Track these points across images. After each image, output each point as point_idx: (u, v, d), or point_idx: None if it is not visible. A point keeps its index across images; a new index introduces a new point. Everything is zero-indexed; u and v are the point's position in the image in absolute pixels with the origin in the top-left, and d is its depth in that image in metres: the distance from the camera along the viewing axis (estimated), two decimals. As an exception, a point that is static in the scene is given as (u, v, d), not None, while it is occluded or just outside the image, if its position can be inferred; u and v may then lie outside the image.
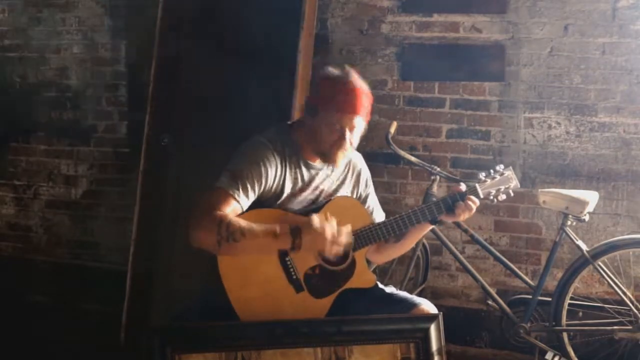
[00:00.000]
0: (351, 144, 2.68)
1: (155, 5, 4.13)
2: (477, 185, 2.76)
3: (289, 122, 2.86)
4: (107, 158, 4.90)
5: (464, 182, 2.83)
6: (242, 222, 2.54)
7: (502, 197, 2.81)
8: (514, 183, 2.82)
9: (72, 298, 4.62)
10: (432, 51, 4.22)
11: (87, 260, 4.96)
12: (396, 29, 4.30)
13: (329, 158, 2.70)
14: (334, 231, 2.54)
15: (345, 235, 2.57)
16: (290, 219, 2.65)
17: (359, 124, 2.68)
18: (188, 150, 4.12)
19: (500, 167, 2.82)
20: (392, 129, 3.83)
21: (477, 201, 2.74)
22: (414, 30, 4.27)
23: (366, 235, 2.71)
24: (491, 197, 2.79)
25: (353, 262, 2.72)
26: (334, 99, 2.65)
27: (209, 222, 2.52)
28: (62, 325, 4.36)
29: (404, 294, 2.83)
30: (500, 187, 2.80)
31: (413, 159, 3.84)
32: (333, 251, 2.57)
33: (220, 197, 2.57)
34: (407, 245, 2.91)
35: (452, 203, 2.71)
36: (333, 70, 2.72)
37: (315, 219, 2.54)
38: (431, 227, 2.84)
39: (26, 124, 5.06)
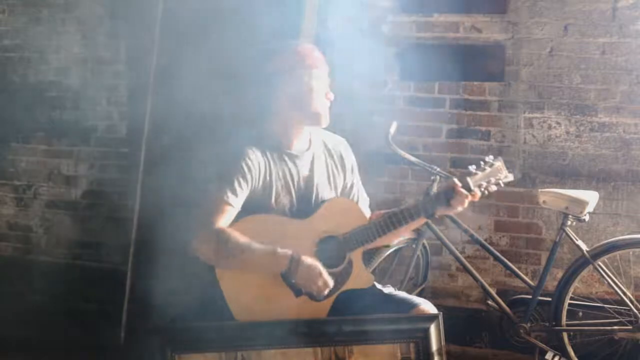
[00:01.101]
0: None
1: (155, 5, 4.13)
2: (468, 178, 2.74)
3: (263, 119, 2.85)
4: (107, 158, 4.90)
5: (455, 176, 2.83)
6: (242, 239, 2.55)
7: (493, 188, 2.79)
8: (504, 173, 2.80)
9: (72, 298, 4.62)
10: (432, 51, 4.22)
11: (87, 260, 4.96)
12: (396, 29, 4.30)
13: (323, 116, 2.74)
14: (325, 284, 2.59)
15: (327, 290, 2.62)
16: (290, 227, 2.66)
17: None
18: (188, 150, 4.12)
19: (489, 158, 2.79)
20: (392, 129, 3.82)
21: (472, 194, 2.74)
22: (414, 30, 4.27)
23: (362, 235, 2.70)
24: (482, 189, 2.77)
25: (350, 263, 2.71)
26: (311, 58, 2.73)
27: (207, 236, 2.55)
28: (62, 325, 4.36)
29: (403, 294, 2.83)
30: (491, 178, 2.77)
31: (413, 159, 3.83)
32: (312, 292, 2.61)
33: (213, 204, 2.59)
34: (397, 236, 2.94)
35: (445, 198, 2.70)
36: (278, 45, 2.82)
37: (319, 266, 2.58)
38: (425, 220, 2.85)
39: (26, 124, 5.06)
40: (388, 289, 2.83)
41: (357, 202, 2.88)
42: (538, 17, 4.05)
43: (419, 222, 2.83)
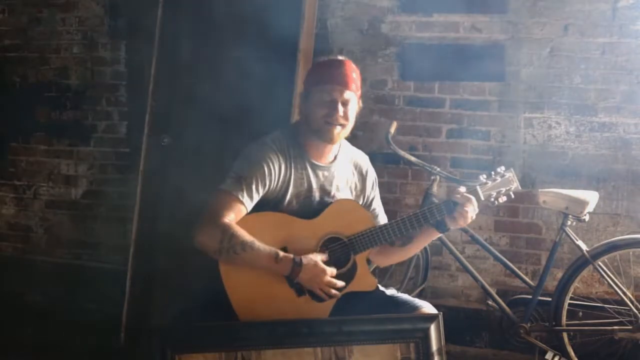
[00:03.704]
0: (346, 117, 2.70)
1: (155, 5, 4.13)
2: (477, 187, 2.72)
3: (294, 124, 2.87)
4: (107, 158, 4.90)
5: (464, 183, 2.81)
6: (247, 237, 2.56)
7: (503, 199, 2.76)
8: (515, 185, 2.77)
9: (72, 298, 4.62)
10: (432, 51, 4.22)
11: (87, 260, 4.96)
12: (396, 29, 4.30)
13: (325, 135, 2.71)
14: (331, 281, 2.60)
15: (338, 289, 2.62)
16: (296, 226, 2.67)
17: (351, 99, 2.71)
18: (188, 150, 4.12)
19: (501, 169, 2.77)
20: (392, 129, 3.83)
21: (476, 201, 2.71)
22: (414, 30, 4.27)
23: (366, 239, 2.70)
24: (492, 199, 2.75)
25: (354, 266, 2.71)
26: (321, 73, 2.73)
27: (213, 229, 2.55)
28: (62, 325, 4.36)
29: (405, 296, 2.82)
30: (501, 189, 2.75)
31: (413, 159, 3.83)
32: (322, 295, 2.62)
33: (224, 199, 2.60)
34: (412, 250, 2.92)
35: (453, 206, 2.67)
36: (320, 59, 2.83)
37: (321, 265, 2.59)
38: (438, 234, 2.81)
39: (26, 124, 5.06)
40: (390, 291, 2.83)
41: (375, 216, 2.90)
42: (538, 17, 4.05)
43: (432, 233, 2.80)
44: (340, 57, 2.78)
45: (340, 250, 2.69)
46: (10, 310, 4.58)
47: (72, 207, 5.02)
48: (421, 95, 4.29)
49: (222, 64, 3.97)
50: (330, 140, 2.72)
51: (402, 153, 3.83)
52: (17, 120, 5.07)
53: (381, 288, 2.82)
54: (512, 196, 2.80)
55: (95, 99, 4.89)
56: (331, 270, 2.61)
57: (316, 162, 2.76)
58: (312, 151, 2.75)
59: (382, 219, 2.93)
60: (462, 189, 2.70)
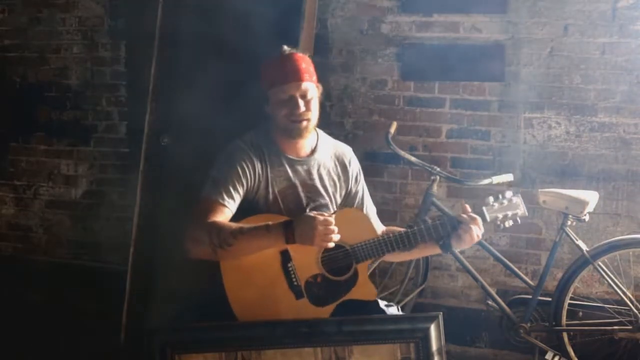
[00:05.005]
0: (308, 109, 2.69)
1: (156, 4, 4.13)
2: (484, 208, 2.71)
3: (267, 122, 2.85)
4: (107, 158, 4.91)
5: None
6: (233, 225, 2.56)
7: (509, 223, 2.75)
8: (522, 210, 2.76)
9: (72, 298, 4.62)
10: (432, 51, 4.22)
11: (87, 260, 4.96)
12: (396, 29, 4.30)
13: (293, 133, 2.71)
14: (326, 226, 2.53)
15: (337, 234, 2.56)
16: None
17: (309, 89, 2.70)
18: (188, 150, 4.12)
19: (509, 194, 2.76)
20: (392, 129, 3.83)
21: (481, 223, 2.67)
22: (414, 30, 4.27)
23: (369, 249, 2.68)
24: (498, 222, 2.74)
25: (355, 274, 2.70)
26: (273, 75, 2.71)
27: (200, 233, 2.56)
28: (62, 325, 4.36)
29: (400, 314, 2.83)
30: (508, 212, 2.74)
31: (413, 159, 3.83)
32: (323, 245, 2.57)
33: (207, 205, 2.63)
34: (409, 257, 2.99)
35: (457, 224, 2.66)
36: (270, 58, 2.79)
37: (311, 214, 2.56)
38: (440, 252, 2.78)
39: (26, 124, 5.06)
40: (392, 309, 2.81)
41: (366, 213, 2.88)
42: (538, 17, 4.05)
43: (434, 249, 2.78)
44: (285, 52, 2.75)
45: (343, 258, 2.68)
46: (10, 311, 4.58)
47: (72, 207, 5.02)
48: (421, 95, 4.29)
49: (222, 64, 3.96)
50: (299, 136, 2.73)
51: (402, 153, 3.83)
52: (17, 120, 5.07)
53: (382, 304, 2.80)
54: (519, 222, 2.79)
55: (95, 99, 4.89)
56: (323, 217, 2.54)
57: (292, 157, 2.76)
58: (286, 147, 2.76)
59: (370, 211, 2.92)
60: (468, 208, 2.69)
